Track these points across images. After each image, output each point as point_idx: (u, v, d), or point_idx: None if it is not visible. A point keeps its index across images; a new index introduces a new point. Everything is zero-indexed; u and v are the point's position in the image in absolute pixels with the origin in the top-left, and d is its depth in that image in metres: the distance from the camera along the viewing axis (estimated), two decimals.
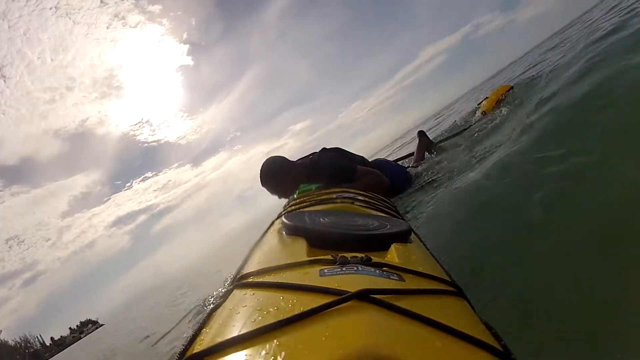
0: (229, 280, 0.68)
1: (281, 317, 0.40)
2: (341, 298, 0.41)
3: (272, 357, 0.34)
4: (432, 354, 0.36)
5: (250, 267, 0.65)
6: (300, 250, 0.69)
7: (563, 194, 1.34)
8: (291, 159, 2.26)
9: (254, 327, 0.39)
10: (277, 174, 2.13)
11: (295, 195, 1.80)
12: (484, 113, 3.44)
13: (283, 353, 0.34)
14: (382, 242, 0.72)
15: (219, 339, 0.39)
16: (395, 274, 0.53)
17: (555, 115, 1.89)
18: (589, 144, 1.43)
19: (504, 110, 2.90)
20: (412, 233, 0.87)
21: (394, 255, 0.65)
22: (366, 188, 1.89)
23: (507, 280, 1.19)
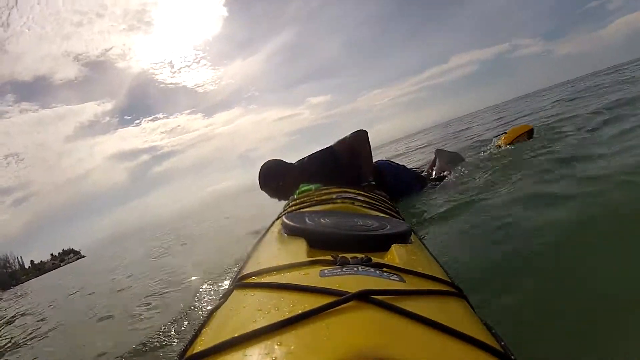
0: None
1: (281, 317, 0.40)
2: (341, 299, 0.41)
3: (273, 358, 0.34)
4: (432, 354, 0.36)
5: (251, 268, 0.65)
6: (300, 250, 0.69)
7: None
8: (288, 161, 2.30)
9: (255, 328, 0.39)
10: (275, 176, 2.18)
11: (295, 196, 1.80)
12: (498, 146, 3.39)
13: (283, 353, 0.34)
14: (382, 243, 0.72)
15: (219, 340, 0.39)
16: (395, 274, 0.53)
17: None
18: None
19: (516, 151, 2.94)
20: (412, 234, 0.87)
21: (394, 255, 0.65)
22: (352, 150, 2.13)
23: (507, 281, 1.19)
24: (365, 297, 0.42)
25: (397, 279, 0.52)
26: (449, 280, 0.61)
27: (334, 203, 1.23)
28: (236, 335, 0.39)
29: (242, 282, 0.57)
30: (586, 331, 0.87)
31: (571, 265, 1.11)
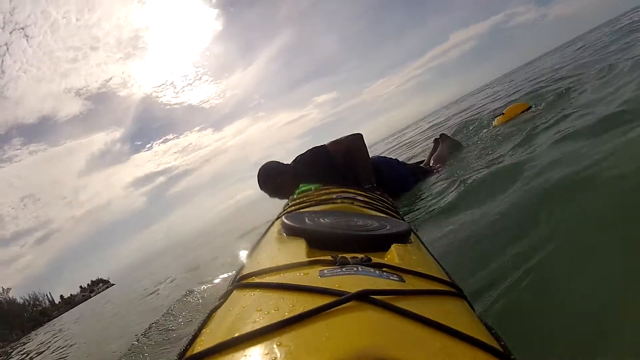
0: (232, 277, 0.68)
1: (281, 317, 0.40)
2: (341, 299, 0.41)
3: (272, 358, 0.34)
4: (432, 354, 0.36)
5: (250, 268, 0.65)
6: (300, 251, 0.69)
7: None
8: (283, 161, 2.36)
9: (254, 328, 0.39)
10: (272, 176, 2.25)
11: (295, 196, 1.80)
12: (496, 126, 3.48)
13: (283, 354, 0.34)
14: (382, 243, 0.72)
15: (219, 340, 0.39)
16: (395, 274, 0.53)
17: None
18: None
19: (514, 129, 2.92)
20: (412, 233, 0.87)
21: (393, 255, 0.65)
22: (348, 152, 2.19)
23: (508, 282, 1.19)
24: (364, 297, 0.42)
25: (397, 279, 0.52)
26: (449, 280, 0.61)
27: (333, 203, 1.23)
28: (236, 335, 0.39)
29: (241, 282, 0.57)
30: (586, 332, 0.87)
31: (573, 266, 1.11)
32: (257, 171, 2.32)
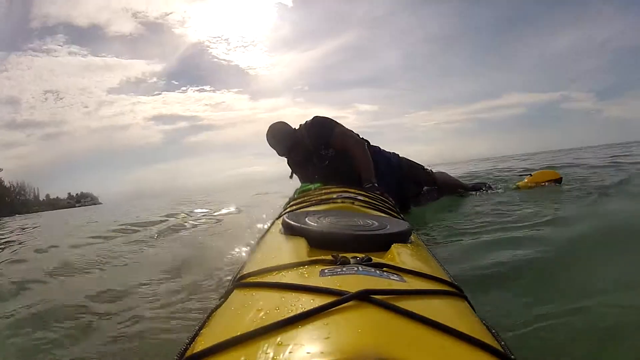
0: (232, 279, 0.69)
1: (281, 317, 0.40)
2: (341, 298, 0.41)
3: (272, 358, 0.34)
4: (432, 354, 0.36)
5: (251, 267, 0.65)
6: (300, 250, 0.69)
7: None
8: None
9: (254, 328, 0.39)
10: (284, 133, 2.44)
11: (295, 195, 1.80)
12: (517, 187, 3.17)
13: (283, 353, 0.34)
14: (382, 243, 0.72)
15: (219, 339, 0.39)
16: (396, 274, 0.53)
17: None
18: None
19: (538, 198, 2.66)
20: (413, 233, 0.87)
21: (394, 255, 0.65)
22: (343, 148, 2.35)
23: (509, 283, 1.19)
24: (365, 296, 0.42)
25: (398, 278, 0.52)
26: (450, 280, 0.61)
27: (334, 202, 1.23)
28: (236, 335, 0.39)
29: (241, 282, 0.57)
30: (586, 334, 0.87)
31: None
32: (271, 128, 2.46)
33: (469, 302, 0.56)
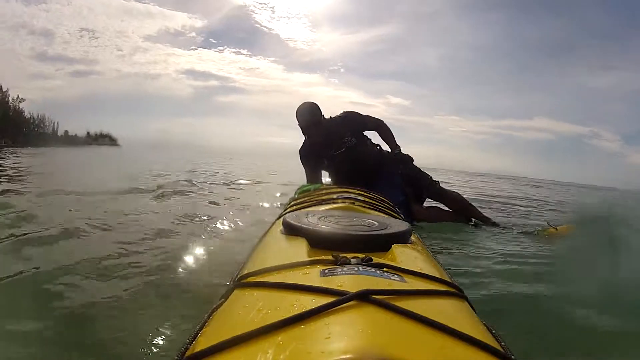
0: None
1: (282, 317, 0.40)
2: (342, 298, 0.41)
3: (273, 358, 0.34)
4: (432, 354, 0.36)
5: (251, 267, 0.65)
6: (301, 250, 0.69)
7: None
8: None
9: (254, 327, 0.39)
10: (314, 111, 2.58)
11: (295, 195, 1.81)
12: (537, 232, 2.77)
13: (283, 353, 0.34)
14: (382, 243, 0.72)
15: (219, 339, 0.39)
16: (396, 274, 0.53)
17: None
18: None
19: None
20: (413, 234, 0.87)
21: (394, 255, 0.65)
22: (377, 128, 2.68)
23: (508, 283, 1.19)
24: (365, 296, 0.42)
25: (398, 279, 0.52)
26: (450, 281, 0.61)
27: (334, 203, 1.23)
28: (236, 334, 0.39)
29: (242, 282, 0.57)
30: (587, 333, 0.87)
31: None
32: (302, 104, 2.61)
33: (470, 303, 0.56)
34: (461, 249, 2.02)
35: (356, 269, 0.53)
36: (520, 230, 2.74)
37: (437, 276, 0.59)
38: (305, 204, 1.31)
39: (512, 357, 0.42)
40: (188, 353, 0.43)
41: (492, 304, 1.17)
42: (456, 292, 0.56)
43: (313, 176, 2.65)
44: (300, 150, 2.73)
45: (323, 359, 0.33)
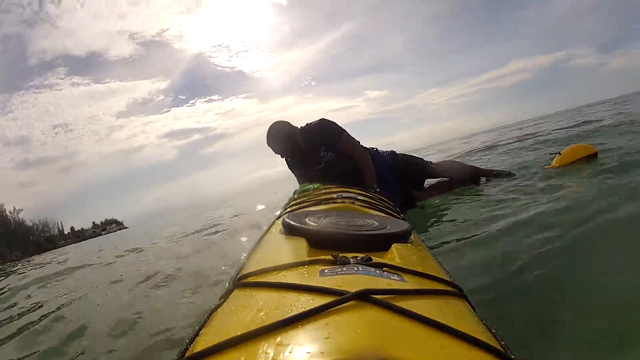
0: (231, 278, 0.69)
1: (281, 317, 0.40)
2: (341, 298, 0.41)
3: (272, 358, 0.34)
4: (432, 354, 0.36)
5: (251, 267, 0.65)
6: (300, 250, 0.69)
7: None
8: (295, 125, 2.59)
9: (254, 327, 0.39)
10: (281, 138, 2.46)
11: (295, 195, 1.80)
12: (543, 168, 2.74)
13: (283, 353, 0.34)
14: (382, 243, 0.72)
15: (219, 339, 0.39)
16: (396, 274, 0.53)
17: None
18: None
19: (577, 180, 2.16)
20: (413, 233, 0.87)
21: (394, 255, 0.65)
22: (346, 152, 2.41)
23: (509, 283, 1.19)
24: (365, 296, 0.42)
25: (398, 278, 0.52)
26: (450, 280, 0.61)
27: (334, 202, 1.23)
28: (236, 335, 0.39)
29: (241, 282, 0.57)
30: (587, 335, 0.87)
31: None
32: (271, 127, 2.49)
33: (469, 302, 0.56)
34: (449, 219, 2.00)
35: (356, 268, 0.53)
36: (526, 174, 2.64)
37: (437, 276, 0.59)
38: (305, 204, 1.31)
39: (512, 356, 0.42)
40: (188, 353, 0.43)
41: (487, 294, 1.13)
42: (456, 292, 0.56)
43: (304, 179, 2.53)
44: (286, 161, 2.65)
45: (323, 359, 0.32)
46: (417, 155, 2.89)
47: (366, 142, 2.66)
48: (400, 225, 0.86)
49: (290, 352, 0.34)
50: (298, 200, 1.51)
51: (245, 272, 0.62)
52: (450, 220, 2.03)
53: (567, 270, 1.19)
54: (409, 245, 0.76)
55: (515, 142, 5.78)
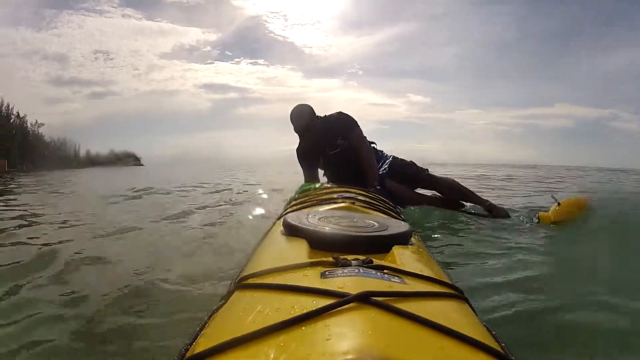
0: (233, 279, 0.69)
1: (282, 318, 0.40)
2: (342, 300, 0.41)
3: (273, 359, 0.34)
4: (433, 356, 0.36)
5: (251, 269, 0.65)
6: (301, 251, 0.69)
7: None
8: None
9: (255, 329, 0.39)
10: (308, 114, 2.62)
11: (296, 195, 1.80)
12: (538, 221, 2.56)
13: (284, 355, 0.34)
14: (383, 244, 0.72)
15: (220, 341, 0.39)
16: (396, 276, 0.53)
17: None
18: None
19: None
20: (413, 235, 0.87)
21: (395, 257, 0.65)
22: (357, 148, 2.54)
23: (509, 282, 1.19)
24: (366, 298, 0.42)
25: (398, 280, 0.52)
26: (450, 282, 0.61)
27: (335, 203, 1.23)
28: (237, 336, 0.39)
29: (242, 283, 0.57)
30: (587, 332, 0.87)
31: None
32: (296, 107, 2.63)
33: (470, 304, 0.56)
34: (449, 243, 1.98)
35: (357, 270, 0.53)
36: (520, 215, 2.65)
37: (438, 278, 0.59)
38: (306, 204, 1.31)
39: (512, 358, 0.42)
40: (188, 354, 0.43)
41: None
42: (457, 294, 0.56)
43: (310, 174, 2.69)
44: (297, 150, 2.75)
45: None
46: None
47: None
48: (401, 226, 0.86)
49: (290, 354, 0.34)
50: (299, 200, 1.51)
51: (246, 273, 0.62)
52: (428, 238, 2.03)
53: (560, 280, 1.19)
54: (409, 247, 0.76)
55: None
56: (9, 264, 1.67)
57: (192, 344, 0.46)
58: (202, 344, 0.43)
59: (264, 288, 0.52)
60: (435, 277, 0.58)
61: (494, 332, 0.48)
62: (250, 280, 0.58)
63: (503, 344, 0.45)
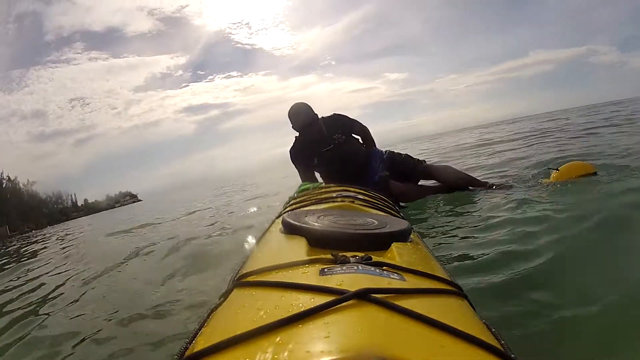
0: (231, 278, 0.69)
1: (281, 316, 0.40)
2: (341, 297, 0.41)
3: (272, 357, 0.34)
4: (432, 353, 0.36)
5: (251, 267, 0.65)
6: (300, 249, 0.68)
7: None
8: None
9: (254, 327, 0.39)
10: (306, 111, 2.66)
11: (295, 194, 1.80)
12: (540, 182, 2.60)
13: (283, 352, 0.34)
14: (382, 242, 0.72)
15: (219, 339, 0.39)
16: (396, 273, 0.53)
17: None
18: None
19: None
20: (412, 232, 0.87)
21: (394, 254, 0.65)
22: (364, 137, 2.80)
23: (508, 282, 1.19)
24: (365, 295, 0.42)
25: (398, 277, 0.52)
26: (450, 279, 0.61)
27: (334, 201, 1.23)
28: (236, 334, 0.39)
29: (241, 281, 0.57)
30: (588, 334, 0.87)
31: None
32: (291, 106, 2.69)
33: (469, 301, 0.56)
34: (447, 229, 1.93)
35: (355, 267, 0.53)
36: (522, 187, 2.55)
37: (437, 275, 0.59)
38: (305, 203, 1.31)
39: (512, 355, 0.42)
40: (188, 353, 0.43)
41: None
42: (456, 291, 0.56)
43: (307, 175, 2.69)
44: (290, 151, 2.75)
45: (322, 358, 0.32)
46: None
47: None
48: (400, 224, 0.86)
49: (290, 352, 0.34)
50: (298, 199, 1.51)
51: (245, 271, 0.62)
52: (434, 227, 2.02)
53: (564, 272, 1.19)
54: (408, 244, 0.76)
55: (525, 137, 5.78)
56: None
57: (191, 342, 0.46)
58: (201, 343, 0.43)
59: (262, 286, 0.52)
60: (434, 274, 0.58)
61: (493, 329, 0.48)
62: (249, 278, 0.57)
63: (503, 341, 0.45)
